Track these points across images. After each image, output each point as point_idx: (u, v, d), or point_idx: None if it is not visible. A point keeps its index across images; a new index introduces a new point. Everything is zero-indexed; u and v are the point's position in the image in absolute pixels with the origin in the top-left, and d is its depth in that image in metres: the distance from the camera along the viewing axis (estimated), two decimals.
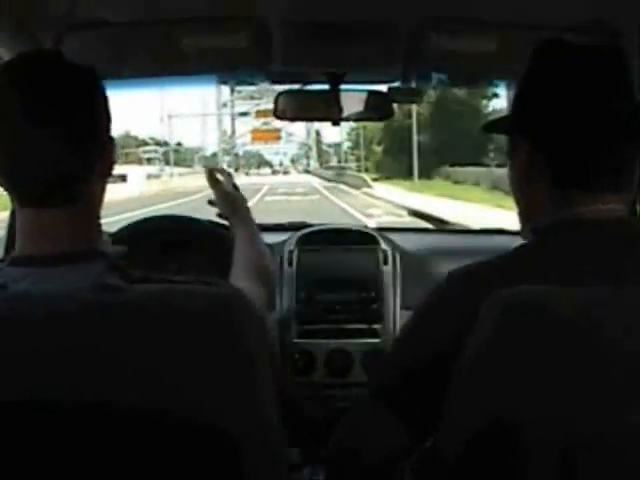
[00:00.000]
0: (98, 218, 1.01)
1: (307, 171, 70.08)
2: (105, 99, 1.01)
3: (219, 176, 1.49)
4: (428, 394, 0.97)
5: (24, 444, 0.76)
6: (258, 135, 67.74)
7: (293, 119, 2.02)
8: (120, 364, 0.76)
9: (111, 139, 1.02)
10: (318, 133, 74.62)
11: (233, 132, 75.55)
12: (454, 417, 0.87)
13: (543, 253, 0.97)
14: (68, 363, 0.76)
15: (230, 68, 1.88)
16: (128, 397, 0.76)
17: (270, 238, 2.33)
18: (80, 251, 0.94)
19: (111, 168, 1.02)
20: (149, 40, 1.60)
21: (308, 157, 75.93)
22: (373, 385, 1.06)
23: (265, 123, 64.08)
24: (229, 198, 1.48)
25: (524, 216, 1.09)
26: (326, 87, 1.91)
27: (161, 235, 1.64)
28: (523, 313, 0.79)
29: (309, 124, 58.24)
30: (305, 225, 2.45)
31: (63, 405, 0.75)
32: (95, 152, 0.98)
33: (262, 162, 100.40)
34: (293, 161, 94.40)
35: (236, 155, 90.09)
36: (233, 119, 75.85)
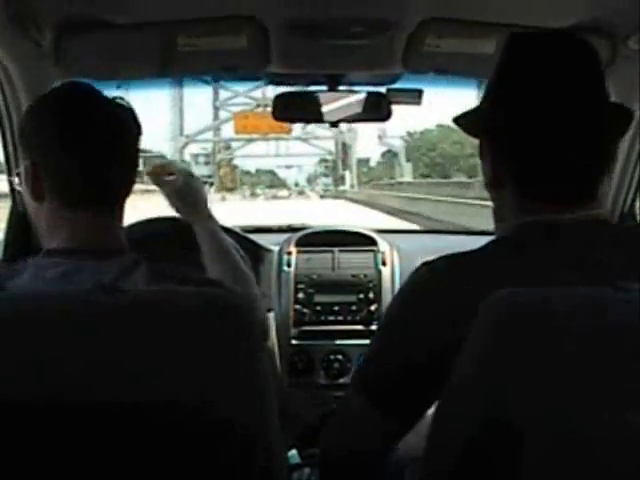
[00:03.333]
0: (121, 221, 1.15)
1: (338, 195, 49.20)
2: (138, 129, 1.17)
3: (167, 177, 1.48)
4: (411, 386, 0.98)
5: (27, 442, 0.76)
6: (246, 122, 28.44)
7: (291, 120, 2.03)
8: (120, 363, 0.76)
9: (137, 159, 1.17)
10: (345, 145, 60.09)
11: (218, 128, 59.83)
12: (451, 420, 0.86)
13: (517, 255, 0.96)
14: (69, 362, 0.76)
15: (228, 69, 1.87)
16: (130, 396, 0.76)
17: (268, 239, 2.33)
18: (108, 248, 1.06)
19: (134, 181, 1.16)
20: (147, 41, 1.60)
21: (342, 177, 56.53)
22: (355, 380, 1.06)
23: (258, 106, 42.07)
24: (179, 196, 1.47)
25: (494, 217, 1.09)
26: (324, 88, 1.91)
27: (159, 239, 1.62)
28: (523, 315, 0.79)
29: (337, 133, 49.67)
30: (303, 227, 2.45)
31: (66, 404, 0.75)
32: (133, 167, 1.14)
33: (275, 181, 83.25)
34: (310, 181, 77.12)
35: (232, 166, 76.17)
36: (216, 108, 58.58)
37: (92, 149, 1.08)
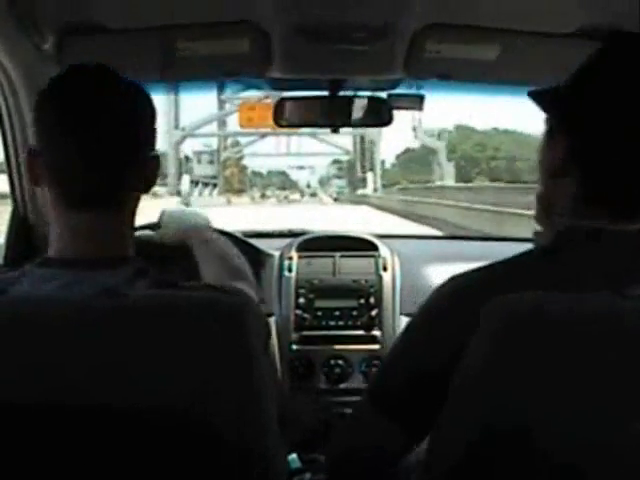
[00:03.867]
0: (132, 226, 1.06)
1: (358, 200, 43.71)
2: (153, 114, 1.06)
3: None
4: (425, 400, 0.96)
5: (22, 444, 0.75)
6: (252, 114, 25.47)
7: (293, 125, 2.03)
8: (121, 368, 0.76)
9: (156, 157, 1.06)
10: (363, 139, 52.12)
11: (223, 122, 52.67)
12: (453, 424, 0.86)
13: (551, 263, 0.93)
14: (66, 366, 0.76)
15: (229, 74, 1.88)
16: (130, 400, 0.76)
17: (269, 244, 2.33)
18: (112, 256, 0.98)
19: (152, 184, 1.06)
20: (148, 46, 1.60)
21: (363, 179, 49.20)
22: (370, 391, 1.05)
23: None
24: (178, 235, 1.47)
25: (542, 211, 1.05)
26: (326, 93, 1.91)
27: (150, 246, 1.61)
28: (524, 320, 0.79)
29: (354, 130, 41.77)
30: (304, 231, 2.45)
31: (63, 407, 0.75)
32: (137, 168, 1.02)
33: (287, 182, 77.89)
34: (322, 183, 71.96)
35: (241, 167, 71.70)
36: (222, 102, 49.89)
37: (96, 137, 0.98)
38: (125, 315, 0.79)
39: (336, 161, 68.63)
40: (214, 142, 58.46)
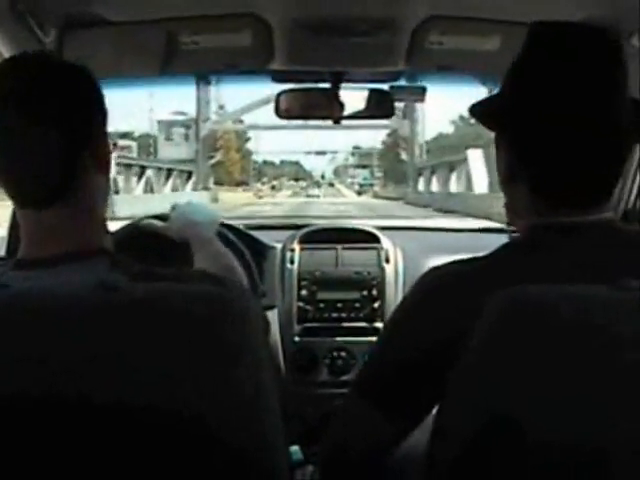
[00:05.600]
0: (102, 215, 1.01)
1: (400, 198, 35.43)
2: (99, 95, 1.00)
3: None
4: (414, 389, 0.97)
5: (21, 438, 0.75)
6: None
7: (294, 117, 2.03)
8: (117, 363, 0.76)
9: (105, 134, 1.01)
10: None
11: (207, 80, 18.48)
12: (455, 416, 0.86)
13: (523, 254, 0.95)
14: (65, 361, 0.76)
15: (231, 67, 1.87)
16: (127, 395, 0.76)
17: (272, 236, 2.33)
18: (83, 250, 0.94)
19: (108, 163, 1.01)
20: (149, 39, 1.60)
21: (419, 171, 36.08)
22: (357, 383, 1.05)
23: None
24: (182, 231, 1.46)
25: (507, 213, 1.07)
26: (327, 85, 1.91)
27: (152, 236, 1.60)
28: (525, 313, 0.79)
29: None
30: (306, 223, 2.45)
31: (54, 402, 0.75)
32: (90, 148, 0.97)
33: (301, 173, 68.90)
34: (337, 173, 64.69)
35: (244, 152, 57.41)
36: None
37: (32, 131, 0.92)
38: (119, 310, 0.78)
39: (357, 149, 61.04)
40: (191, 108, 37.70)
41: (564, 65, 0.93)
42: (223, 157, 51.53)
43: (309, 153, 57.78)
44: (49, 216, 0.94)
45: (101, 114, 1.01)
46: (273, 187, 57.06)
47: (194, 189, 31.43)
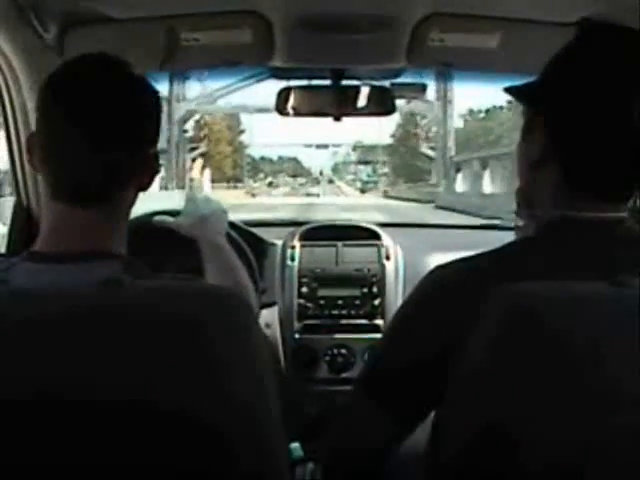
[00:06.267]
0: (125, 224, 1.03)
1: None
2: (158, 111, 1.04)
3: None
4: (417, 389, 0.97)
5: (20, 437, 0.75)
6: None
7: (295, 115, 2.03)
8: (113, 362, 0.76)
9: (156, 156, 1.04)
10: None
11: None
12: (456, 416, 0.86)
13: (537, 250, 0.94)
14: (62, 358, 0.75)
15: (232, 64, 1.87)
16: (124, 393, 0.75)
17: (272, 234, 2.33)
18: (97, 250, 0.95)
19: (150, 183, 1.04)
20: (150, 35, 1.60)
21: (457, 166, 31.53)
22: (361, 381, 1.05)
23: None
24: (192, 229, 1.44)
25: (524, 205, 1.05)
26: (328, 82, 1.91)
27: (163, 232, 1.60)
28: (527, 311, 0.79)
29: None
30: (307, 221, 2.46)
31: (58, 401, 0.75)
32: (136, 164, 1.00)
33: (299, 169, 65.58)
34: (336, 170, 61.96)
35: (236, 145, 50.96)
36: None
37: (97, 130, 0.95)
38: (121, 307, 0.78)
39: (359, 144, 57.79)
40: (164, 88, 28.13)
41: (610, 63, 0.93)
42: (212, 150, 45.92)
43: (309, 146, 53.75)
44: (81, 216, 0.96)
45: (157, 130, 1.04)
46: (270, 184, 53.82)
47: (164, 187, 27.06)
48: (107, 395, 0.75)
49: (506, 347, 0.79)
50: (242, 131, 52.39)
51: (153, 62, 1.69)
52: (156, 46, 1.63)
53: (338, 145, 54.85)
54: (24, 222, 1.66)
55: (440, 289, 0.98)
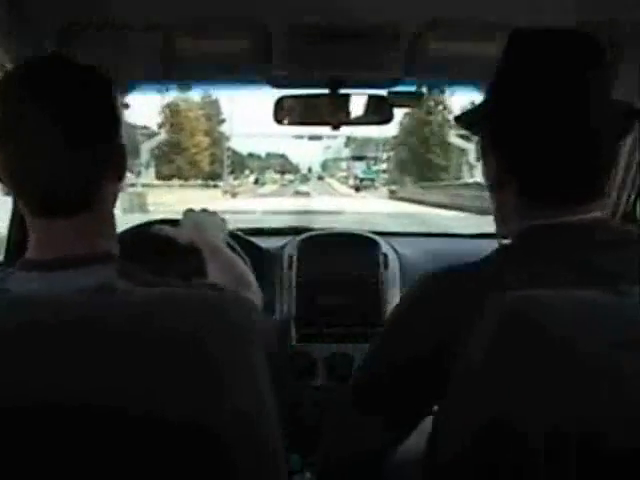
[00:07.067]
0: (112, 221, 1.01)
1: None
2: (114, 103, 0.99)
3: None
4: (408, 393, 0.97)
5: (18, 443, 0.75)
6: None
7: (293, 123, 2.03)
8: (110, 367, 0.75)
9: (121, 145, 1.01)
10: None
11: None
12: (455, 418, 0.86)
13: (511, 259, 0.96)
14: (55, 366, 0.75)
15: (230, 72, 1.88)
16: (119, 400, 0.75)
17: (270, 242, 2.33)
18: (90, 254, 0.94)
19: (123, 173, 1.01)
20: (148, 44, 1.61)
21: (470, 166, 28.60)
22: (353, 388, 1.05)
23: None
24: (192, 238, 1.45)
25: (496, 219, 1.08)
26: (326, 91, 1.92)
27: (162, 240, 1.61)
28: (524, 317, 0.79)
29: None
30: (305, 229, 2.45)
31: (56, 407, 0.75)
32: (106, 158, 0.97)
33: (287, 165, 62.71)
34: (325, 167, 59.27)
35: (215, 137, 43.93)
36: None
37: (43, 137, 0.90)
38: (114, 315, 0.78)
39: (351, 140, 53.91)
40: None
41: (546, 69, 0.94)
42: (185, 142, 39.27)
43: (300, 137, 45.24)
44: (59, 225, 0.93)
45: (116, 123, 0.99)
46: (256, 181, 49.38)
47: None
48: (103, 402, 0.75)
49: (506, 351, 0.79)
50: (222, 120, 45.46)
51: (151, 70, 1.70)
52: (154, 54, 1.64)
53: (334, 137, 50.23)
54: (22, 227, 1.65)
55: (428, 296, 0.99)
